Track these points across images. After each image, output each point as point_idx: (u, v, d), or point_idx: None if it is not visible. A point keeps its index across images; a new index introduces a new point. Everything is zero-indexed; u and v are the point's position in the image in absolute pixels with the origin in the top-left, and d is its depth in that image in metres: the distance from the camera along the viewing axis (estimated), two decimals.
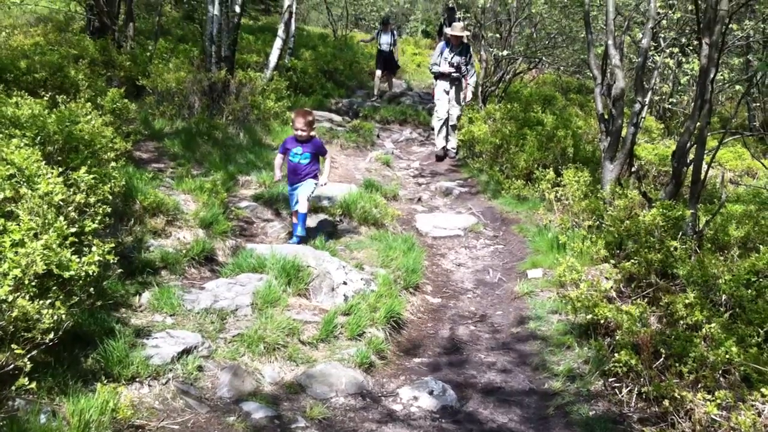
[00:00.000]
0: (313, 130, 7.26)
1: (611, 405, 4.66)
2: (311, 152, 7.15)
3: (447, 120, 12.36)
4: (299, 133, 7.08)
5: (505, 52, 14.10)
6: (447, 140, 12.63)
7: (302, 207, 7.07)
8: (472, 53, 12.33)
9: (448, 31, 12.23)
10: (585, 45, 12.62)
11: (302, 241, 7.01)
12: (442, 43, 12.40)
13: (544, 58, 17.01)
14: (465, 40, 12.32)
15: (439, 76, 12.22)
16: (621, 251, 6.55)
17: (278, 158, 7.30)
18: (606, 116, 8.62)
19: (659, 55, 12.89)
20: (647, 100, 11.48)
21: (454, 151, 12.62)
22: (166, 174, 7.88)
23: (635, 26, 13.05)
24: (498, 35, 15.24)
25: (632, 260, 6.02)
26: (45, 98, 6.35)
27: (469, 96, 12.42)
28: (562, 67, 18.90)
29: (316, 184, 7.21)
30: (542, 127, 10.88)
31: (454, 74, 12.05)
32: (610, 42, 8.48)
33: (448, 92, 12.21)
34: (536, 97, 13.95)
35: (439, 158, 12.48)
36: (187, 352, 4.63)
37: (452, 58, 12.07)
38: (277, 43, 13.54)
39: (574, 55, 17.02)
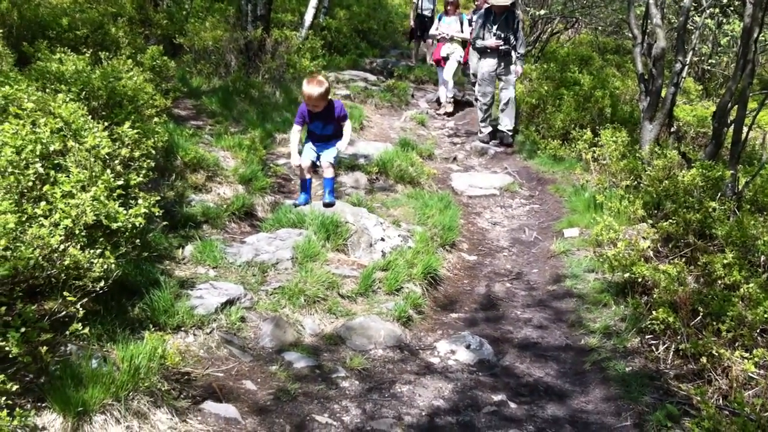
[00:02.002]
0: (329, 95, 6.50)
1: (648, 362, 4.69)
2: (334, 122, 6.54)
3: (492, 104, 10.81)
4: (312, 108, 6.40)
5: (542, 12, 13.93)
6: (493, 124, 10.99)
7: (328, 172, 6.53)
8: (520, 20, 10.83)
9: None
10: (624, 4, 12.44)
11: (329, 206, 6.36)
12: (482, 13, 10.73)
13: (581, 18, 16.77)
14: (510, 7, 10.60)
15: (483, 51, 10.59)
16: (659, 211, 6.53)
17: (294, 134, 6.61)
18: (646, 76, 8.52)
19: (700, 16, 12.64)
20: (687, 60, 11.29)
21: (511, 135, 10.75)
22: (204, 131, 7.97)
23: None
24: None
25: (670, 220, 6.00)
26: (87, 54, 6.42)
27: (520, 70, 10.69)
28: (599, 28, 18.60)
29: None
30: (579, 88, 10.75)
31: (503, 47, 10.38)
32: (651, 1, 8.36)
33: (495, 69, 10.53)
34: (573, 57, 13.74)
35: (485, 142, 10.86)
36: (230, 303, 4.75)
37: (497, 29, 10.36)
38: (312, 2, 13.50)
39: (612, 15, 16.75)
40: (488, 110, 10.83)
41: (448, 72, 12.52)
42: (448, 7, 12.67)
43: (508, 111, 10.61)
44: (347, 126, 6.65)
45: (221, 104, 9.03)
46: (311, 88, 6.27)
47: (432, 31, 13.20)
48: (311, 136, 6.65)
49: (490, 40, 10.38)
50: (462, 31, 12.48)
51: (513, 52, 10.55)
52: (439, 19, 12.88)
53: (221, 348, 4.41)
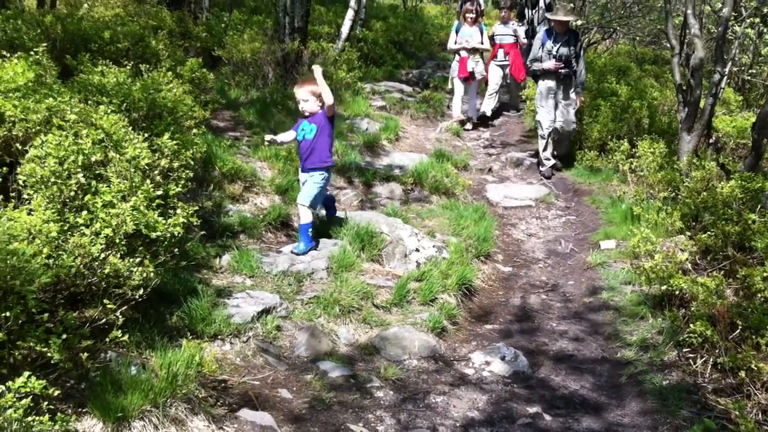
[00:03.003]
0: (320, 101, 5.93)
1: (685, 375, 4.64)
2: (317, 122, 5.91)
3: (552, 132, 9.61)
4: (302, 106, 5.97)
5: (579, 22, 13.86)
6: (554, 155, 9.91)
7: (303, 216, 5.86)
8: (582, 43, 9.68)
9: (548, 15, 10.05)
10: (662, 14, 12.33)
11: (299, 254, 5.76)
12: (542, 33, 9.76)
13: (618, 27, 16.67)
14: (571, 27, 9.72)
15: (542, 74, 9.53)
16: (697, 223, 6.45)
17: (286, 133, 6.22)
18: (684, 87, 8.44)
19: (739, 26, 12.49)
20: (727, 70, 11.15)
21: (559, 161, 10.01)
22: (242, 142, 8.06)
23: None
24: (572, 4, 14.97)
25: (708, 232, 5.92)
26: (128, 67, 6.56)
27: (579, 101, 9.71)
28: (637, 38, 18.46)
29: (324, 180, 5.97)
30: (616, 98, 10.66)
31: (563, 71, 9.39)
32: (689, 11, 8.28)
33: (555, 94, 9.54)
34: (610, 67, 13.64)
35: (547, 177, 9.73)
36: (266, 312, 4.81)
37: (557, 50, 9.39)
38: (349, 14, 13.59)
39: (650, 25, 16.64)
40: (548, 140, 9.67)
41: (474, 90, 12.12)
42: (469, 17, 11.65)
43: (561, 140, 9.81)
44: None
45: (258, 115, 9.13)
46: (298, 85, 6.09)
47: (450, 45, 11.99)
48: (300, 153, 6.11)
49: (549, 62, 9.39)
50: (482, 43, 11.76)
51: (574, 78, 9.53)
52: (456, 31, 11.80)
53: (257, 356, 4.46)
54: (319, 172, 5.94)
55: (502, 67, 12.75)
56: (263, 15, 14.30)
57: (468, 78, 11.79)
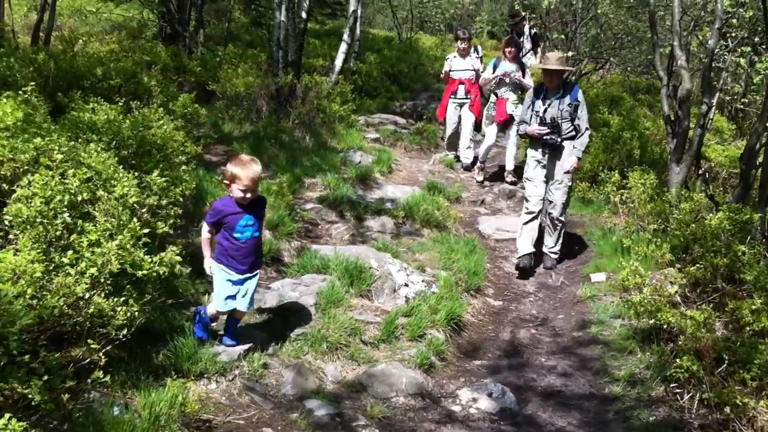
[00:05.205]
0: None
1: (672, 411, 4.63)
2: (260, 216, 4.82)
3: (540, 213, 7.64)
4: (247, 195, 4.57)
5: (570, 53, 13.98)
6: (543, 241, 7.86)
7: (241, 315, 4.92)
8: (580, 99, 7.61)
9: (533, 62, 8.73)
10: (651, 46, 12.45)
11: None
12: (531, 90, 8.05)
13: (611, 58, 16.83)
14: (566, 77, 8.01)
15: (530, 140, 7.80)
16: (686, 255, 6.47)
17: (206, 233, 4.80)
18: (672, 118, 8.50)
19: (729, 54, 12.60)
20: (715, 101, 11.22)
21: (556, 257, 7.84)
22: None
23: (705, 25, 12.80)
24: (563, 36, 15.13)
25: (698, 265, 5.93)
26: (119, 104, 6.61)
27: (573, 162, 7.53)
28: (629, 68, 18.62)
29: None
30: (608, 129, 10.74)
31: (549, 138, 7.47)
32: (675, 43, 8.39)
33: (544, 167, 7.60)
34: (602, 97, 13.77)
35: (522, 271, 7.61)
36: (253, 349, 4.80)
37: (545, 110, 7.54)
38: (343, 47, 13.70)
39: (641, 55, 16.78)
40: (530, 222, 7.64)
41: (513, 138, 10.53)
42: (509, 53, 10.39)
43: (551, 225, 7.77)
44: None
45: (251, 149, 9.17)
46: (250, 166, 4.56)
47: (488, 76, 10.48)
48: (236, 255, 4.70)
49: (532, 126, 7.60)
50: (524, 77, 10.36)
51: (568, 145, 7.55)
52: (495, 67, 10.43)
53: (243, 395, 4.45)
54: (259, 270, 4.93)
55: (461, 105, 11.24)
56: (258, 49, 14.46)
57: (507, 122, 10.40)
